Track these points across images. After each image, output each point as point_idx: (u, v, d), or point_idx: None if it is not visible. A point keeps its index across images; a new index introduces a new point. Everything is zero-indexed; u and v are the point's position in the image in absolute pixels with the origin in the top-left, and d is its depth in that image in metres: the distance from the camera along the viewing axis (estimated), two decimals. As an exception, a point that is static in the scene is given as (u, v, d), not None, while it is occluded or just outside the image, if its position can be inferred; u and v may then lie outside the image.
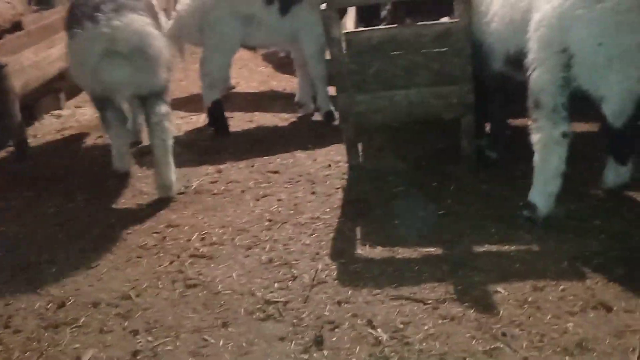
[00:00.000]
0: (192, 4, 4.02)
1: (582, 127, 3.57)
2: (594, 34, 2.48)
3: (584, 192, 3.05)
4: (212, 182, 3.52)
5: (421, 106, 3.26)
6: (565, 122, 2.63)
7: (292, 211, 3.13)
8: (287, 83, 5.34)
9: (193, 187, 3.47)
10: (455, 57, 3.12)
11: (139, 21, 3.22)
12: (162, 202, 3.32)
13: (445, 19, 3.28)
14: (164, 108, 3.33)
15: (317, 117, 4.50)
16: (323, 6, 3.14)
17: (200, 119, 4.59)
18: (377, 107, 3.30)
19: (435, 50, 3.12)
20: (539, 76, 2.64)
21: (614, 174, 2.92)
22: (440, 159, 3.55)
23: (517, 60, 2.86)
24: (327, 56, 3.67)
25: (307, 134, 4.21)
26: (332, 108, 4.33)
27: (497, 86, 3.29)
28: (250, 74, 5.68)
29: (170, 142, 3.32)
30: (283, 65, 5.57)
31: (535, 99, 2.67)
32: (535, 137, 2.70)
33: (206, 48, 4.15)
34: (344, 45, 3.19)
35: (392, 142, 3.84)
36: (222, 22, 4.03)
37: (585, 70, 2.54)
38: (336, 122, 4.20)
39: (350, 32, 3.18)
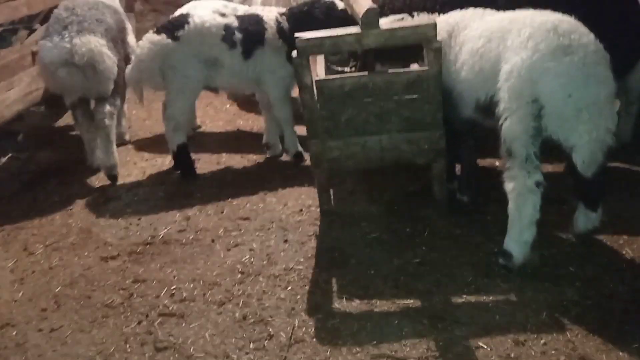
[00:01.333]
0: (153, 47, 3.92)
1: (546, 167, 3.62)
2: (563, 86, 2.53)
3: (556, 237, 3.07)
4: (180, 231, 3.40)
5: (393, 152, 3.25)
6: (538, 171, 2.65)
7: (265, 262, 3.04)
8: (253, 122, 5.28)
9: (160, 237, 3.35)
10: (426, 104, 3.13)
11: (95, 42, 3.97)
12: (128, 254, 3.19)
13: (414, 65, 3.29)
14: (107, 108, 4.13)
15: (285, 157, 4.46)
16: (294, 54, 3.12)
17: (165, 161, 4.48)
18: (350, 153, 3.27)
19: (406, 97, 3.12)
20: (511, 126, 2.66)
21: (585, 219, 2.94)
22: (412, 202, 3.53)
23: (487, 108, 2.88)
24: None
25: (276, 176, 4.14)
26: (301, 149, 4.29)
27: (467, 131, 3.31)
28: (215, 112, 5.61)
29: (112, 133, 4.16)
30: (249, 103, 5.53)
31: (508, 148, 2.69)
32: (509, 186, 2.71)
33: (169, 92, 4.06)
34: (315, 92, 3.17)
35: (363, 185, 3.81)
36: (185, 65, 3.95)
37: (555, 120, 2.57)
38: (305, 163, 4.17)
39: (322, 79, 3.15)
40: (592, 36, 2.63)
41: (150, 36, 3.99)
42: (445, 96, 3.13)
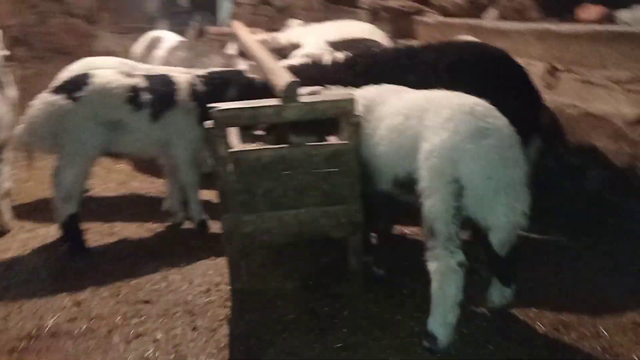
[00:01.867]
0: (48, 108, 3.55)
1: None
2: (483, 168, 2.55)
3: (472, 312, 3.05)
4: (70, 320, 2.97)
5: (310, 225, 3.12)
6: (460, 251, 2.63)
7: (172, 355, 2.71)
8: (149, 184, 4.95)
9: (47, 328, 2.90)
10: (345, 177, 3.05)
11: None
12: (8, 352, 2.71)
13: (332, 138, 3.22)
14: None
15: (187, 224, 4.17)
16: (210, 124, 2.93)
17: (50, 232, 4.01)
18: (266, 228, 3.08)
19: (325, 170, 3.03)
20: (433, 205, 2.63)
21: (499, 294, 2.96)
22: (327, 276, 3.39)
23: (405, 184, 2.86)
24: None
25: (179, 249, 3.83)
26: (206, 216, 4.04)
27: (384, 203, 3.27)
28: (106, 173, 5.20)
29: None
30: (144, 162, 5.16)
31: (430, 227, 2.65)
32: (432, 266, 2.66)
33: (62, 157, 3.64)
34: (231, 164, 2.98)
35: (275, 257, 3.62)
36: (82, 129, 3.59)
37: (475, 201, 2.59)
38: (210, 231, 3.99)
39: (239, 151, 2.97)
40: (505, 119, 2.71)
41: (46, 96, 3.61)
42: (363, 169, 3.08)
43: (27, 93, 4.09)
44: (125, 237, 4.02)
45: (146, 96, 3.74)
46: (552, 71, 4.09)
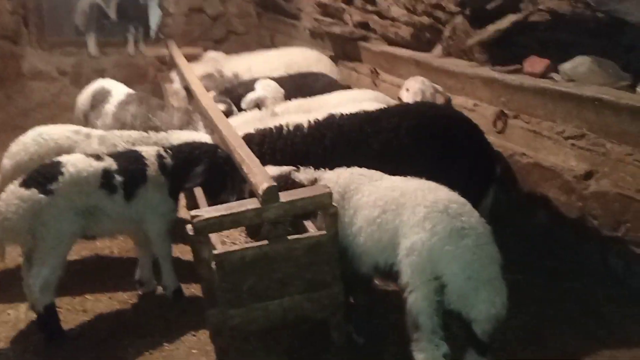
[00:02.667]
0: (22, 204, 3.43)
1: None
2: (462, 268, 2.75)
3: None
4: None
5: (295, 311, 3.24)
6: (444, 342, 2.82)
7: None
8: (113, 242, 4.88)
9: None
10: (326, 266, 3.17)
11: None
12: None
13: (312, 232, 3.28)
14: None
15: (159, 291, 4.19)
16: (190, 230, 2.97)
17: (20, 313, 3.93)
18: (252, 318, 3.18)
19: (306, 260, 3.14)
20: (416, 301, 2.80)
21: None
22: (311, 347, 3.54)
23: (386, 273, 3.02)
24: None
25: (158, 324, 3.85)
26: (179, 285, 4.08)
27: (365, 282, 3.43)
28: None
29: None
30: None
31: (414, 321, 2.83)
32: (418, 357, 2.85)
33: (39, 249, 3.55)
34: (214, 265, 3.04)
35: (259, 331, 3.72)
36: (60, 221, 3.53)
37: (456, 297, 2.78)
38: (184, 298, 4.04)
39: (222, 253, 3.03)
40: (477, 214, 2.90)
41: (17, 190, 3.50)
42: (343, 253, 3.21)
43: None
44: (99, 314, 3.99)
45: (118, 178, 3.71)
46: (501, 116, 4.31)
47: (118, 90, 5.39)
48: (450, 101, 4.82)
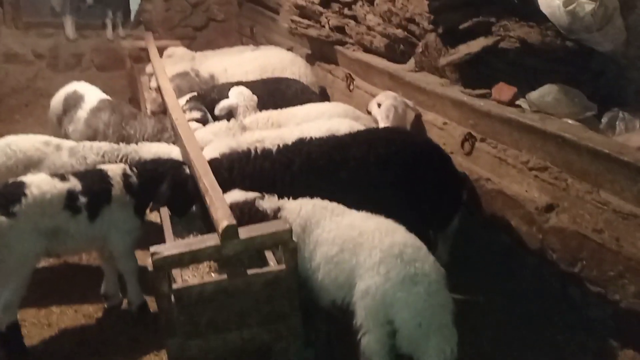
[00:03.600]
0: None
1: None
2: (413, 316, 2.81)
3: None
4: None
5: (253, 341, 3.29)
6: None
7: None
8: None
9: None
10: (285, 299, 3.22)
11: None
12: None
13: (271, 267, 3.30)
14: None
15: (125, 304, 4.22)
16: (149, 266, 2.98)
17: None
18: (210, 349, 3.23)
19: (265, 294, 3.18)
20: (369, 343, 2.88)
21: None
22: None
23: (342, 310, 3.08)
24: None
25: (122, 340, 3.90)
26: (144, 300, 4.12)
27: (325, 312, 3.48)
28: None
29: None
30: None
31: (367, 361, 2.91)
32: (373, 395, 2.93)
33: (2, 270, 3.55)
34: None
35: None
36: (22, 242, 3.52)
37: (407, 342, 2.85)
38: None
39: (181, 287, 3.06)
40: (432, 260, 2.95)
41: None
42: (302, 284, 3.25)
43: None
44: (64, 329, 4.02)
45: (82, 199, 3.69)
46: (469, 138, 4.33)
47: (91, 96, 5.30)
48: (420, 117, 4.83)
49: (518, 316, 3.99)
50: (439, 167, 3.88)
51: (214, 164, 3.71)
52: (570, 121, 3.83)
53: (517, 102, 4.10)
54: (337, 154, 3.75)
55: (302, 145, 3.80)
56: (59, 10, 9.35)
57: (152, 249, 2.96)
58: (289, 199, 3.45)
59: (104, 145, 4.43)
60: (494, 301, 4.13)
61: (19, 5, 9.42)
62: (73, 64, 9.33)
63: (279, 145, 3.85)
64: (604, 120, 3.94)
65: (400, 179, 3.77)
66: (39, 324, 4.05)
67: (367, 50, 5.65)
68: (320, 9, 6.01)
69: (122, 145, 4.49)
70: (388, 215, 3.20)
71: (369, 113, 4.85)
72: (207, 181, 3.37)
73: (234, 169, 3.74)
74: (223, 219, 2.98)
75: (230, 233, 2.96)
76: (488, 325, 3.94)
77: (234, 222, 2.97)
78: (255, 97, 5.16)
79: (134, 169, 3.93)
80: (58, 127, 5.26)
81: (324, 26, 6.06)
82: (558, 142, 3.60)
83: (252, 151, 3.85)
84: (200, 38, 9.67)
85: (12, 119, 7.70)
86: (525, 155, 3.89)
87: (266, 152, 3.82)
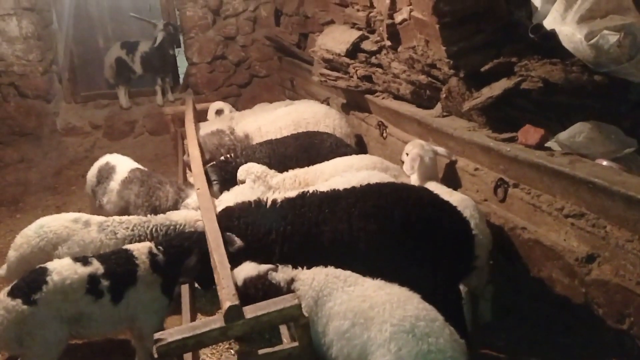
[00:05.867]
0: (7, 316, 3.50)
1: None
2: None
3: None
4: None
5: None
6: None
7: None
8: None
9: None
10: (301, 374, 3.07)
11: None
12: None
13: (284, 345, 3.18)
14: None
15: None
16: (154, 352, 2.93)
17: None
18: None
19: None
20: None
21: None
22: None
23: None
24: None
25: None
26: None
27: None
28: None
29: None
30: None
31: None
32: None
33: (26, 357, 3.60)
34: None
35: None
36: (44, 329, 3.56)
37: None
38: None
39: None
40: (447, 333, 2.72)
41: (3, 300, 3.55)
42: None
43: None
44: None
45: (105, 282, 3.70)
46: (502, 184, 4.08)
47: (122, 167, 5.41)
48: (453, 164, 4.61)
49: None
50: (435, 225, 3.51)
51: (225, 212, 3.79)
52: (604, 162, 3.51)
53: (547, 144, 3.83)
54: (327, 205, 3.61)
55: (303, 198, 3.74)
56: (113, 82, 9.84)
57: (156, 335, 2.91)
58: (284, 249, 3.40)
59: (133, 219, 4.48)
60: (547, 356, 3.79)
61: (77, 80, 10.02)
62: (127, 131, 9.73)
63: (284, 197, 3.83)
64: (646, 156, 3.61)
65: (388, 235, 3.52)
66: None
67: (396, 97, 5.52)
68: (348, 60, 5.95)
69: (150, 216, 4.54)
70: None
71: (402, 163, 4.69)
72: (217, 256, 3.32)
73: (241, 217, 3.71)
74: (226, 300, 2.90)
75: (234, 314, 2.87)
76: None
77: (237, 302, 2.88)
78: (264, 168, 5.01)
79: (160, 247, 3.91)
80: (94, 200, 5.42)
81: (352, 77, 5.99)
82: (590, 188, 3.30)
83: (262, 201, 3.84)
84: (244, 94, 9.87)
85: (68, 191, 8.06)
86: (560, 202, 3.60)
87: (274, 203, 3.80)
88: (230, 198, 4.55)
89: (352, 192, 3.65)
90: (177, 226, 4.44)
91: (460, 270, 3.56)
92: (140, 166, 5.55)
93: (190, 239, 3.98)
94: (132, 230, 4.44)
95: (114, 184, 5.25)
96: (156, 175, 5.35)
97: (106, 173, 5.40)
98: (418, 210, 3.49)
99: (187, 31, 9.44)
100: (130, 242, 4.24)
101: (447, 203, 3.63)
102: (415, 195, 3.60)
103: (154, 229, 4.45)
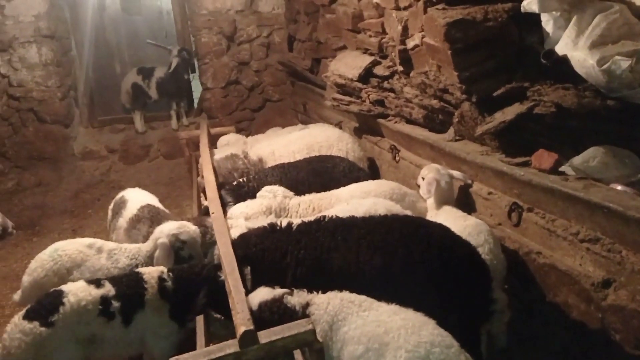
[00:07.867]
0: (24, 339, 3.50)
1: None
2: None
3: None
4: None
5: None
6: None
7: None
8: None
9: None
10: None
11: None
12: None
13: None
14: None
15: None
16: (170, 377, 2.94)
17: None
18: None
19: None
20: None
21: None
22: None
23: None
24: None
25: None
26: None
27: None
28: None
29: None
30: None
31: None
32: None
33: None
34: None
35: None
36: (61, 351, 3.60)
37: None
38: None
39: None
40: (454, 352, 2.70)
41: (20, 323, 3.60)
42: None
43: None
44: None
45: (115, 304, 3.75)
46: (516, 208, 4.07)
47: (132, 203, 5.22)
48: (467, 188, 4.62)
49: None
50: (448, 260, 3.44)
51: (242, 237, 3.83)
52: (619, 186, 3.50)
53: (561, 168, 3.83)
54: (340, 233, 3.61)
55: (318, 223, 3.76)
56: (129, 107, 10.01)
57: None
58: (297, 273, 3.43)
59: (133, 248, 4.47)
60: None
61: (94, 105, 10.21)
62: (142, 154, 9.87)
63: (302, 221, 3.86)
64: (662, 180, 3.58)
65: (393, 269, 3.48)
66: None
67: (409, 121, 5.56)
68: (360, 85, 6.01)
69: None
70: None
71: (418, 188, 4.69)
72: (232, 280, 3.33)
73: (258, 244, 3.73)
74: (241, 324, 2.91)
75: (248, 339, 2.88)
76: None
77: (251, 327, 2.89)
78: (287, 190, 5.03)
79: (171, 274, 3.94)
80: (111, 234, 5.38)
81: (364, 101, 6.04)
82: (605, 212, 3.29)
83: (277, 225, 3.86)
84: (258, 118, 10.00)
85: (85, 214, 8.16)
86: (575, 226, 3.59)
87: (289, 226, 3.83)
88: (241, 208, 4.62)
89: (367, 221, 3.66)
90: None
91: (476, 317, 3.47)
92: (153, 201, 5.36)
93: (200, 273, 3.94)
94: (132, 259, 4.42)
95: (122, 221, 5.12)
96: (167, 215, 5.16)
97: (118, 208, 5.31)
98: (423, 249, 3.43)
99: (202, 57, 9.62)
100: None
101: (462, 245, 3.54)
102: (425, 232, 3.54)
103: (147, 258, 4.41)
